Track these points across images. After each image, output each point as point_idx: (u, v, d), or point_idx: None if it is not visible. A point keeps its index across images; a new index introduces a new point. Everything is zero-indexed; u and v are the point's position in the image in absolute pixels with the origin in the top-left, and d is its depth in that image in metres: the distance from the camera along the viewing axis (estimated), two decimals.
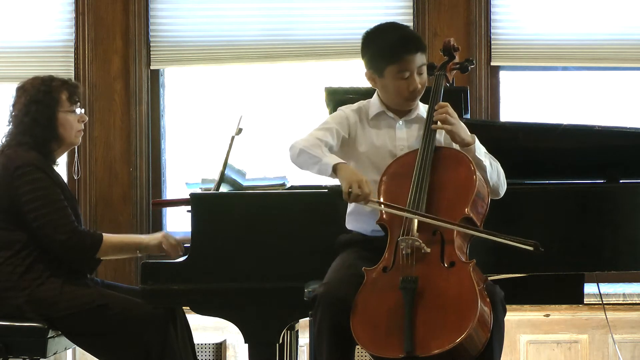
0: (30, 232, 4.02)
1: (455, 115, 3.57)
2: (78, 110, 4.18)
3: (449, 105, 3.58)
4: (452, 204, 3.44)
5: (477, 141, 3.57)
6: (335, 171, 3.43)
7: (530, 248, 3.35)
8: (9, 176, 4.02)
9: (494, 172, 3.61)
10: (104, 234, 4.10)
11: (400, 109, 3.68)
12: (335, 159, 3.46)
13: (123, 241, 4.17)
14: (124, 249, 4.18)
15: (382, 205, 3.46)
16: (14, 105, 4.16)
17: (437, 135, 3.60)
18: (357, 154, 3.66)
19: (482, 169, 3.55)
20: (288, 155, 3.59)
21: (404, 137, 3.67)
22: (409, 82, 3.58)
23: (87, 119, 4.25)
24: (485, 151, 3.61)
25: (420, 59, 3.59)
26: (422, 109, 3.71)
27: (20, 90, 4.16)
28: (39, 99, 4.10)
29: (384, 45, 3.61)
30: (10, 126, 4.15)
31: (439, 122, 3.55)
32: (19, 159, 4.04)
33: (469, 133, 3.58)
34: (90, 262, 4.09)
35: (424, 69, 3.61)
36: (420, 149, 3.53)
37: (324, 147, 3.53)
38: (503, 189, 3.66)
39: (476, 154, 3.54)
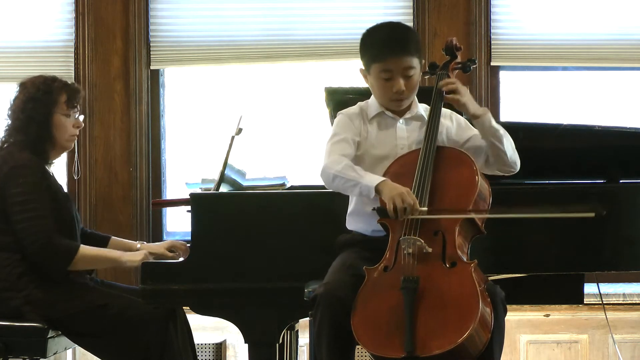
0: None
1: (465, 88, 3.57)
2: (75, 115, 4.17)
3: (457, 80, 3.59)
4: (454, 204, 3.43)
5: (489, 112, 3.58)
6: (377, 192, 3.41)
7: (592, 214, 3.34)
8: (2, 177, 4.02)
9: (508, 142, 3.61)
10: (81, 246, 4.04)
11: (389, 108, 3.68)
12: (374, 180, 3.42)
13: (100, 255, 4.10)
14: (100, 263, 4.14)
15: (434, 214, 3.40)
16: (13, 100, 4.16)
17: (439, 135, 3.60)
18: (359, 154, 3.65)
19: (499, 138, 3.56)
20: (322, 181, 3.56)
21: (404, 135, 3.66)
22: (392, 83, 3.58)
23: (83, 125, 4.22)
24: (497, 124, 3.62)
25: (406, 61, 3.56)
26: (421, 108, 3.71)
27: (22, 87, 4.16)
28: (37, 97, 4.09)
29: (371, 43, 3.62)
30: (9, 121, 4.14)
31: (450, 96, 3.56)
32: (13, 160, 4.03)
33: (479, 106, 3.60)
34: (62, 271, 4.04)
35: (413, 72, 3.58)
36: (422, 149, 3.52)
37: (355, 166, 3.51)
38: (518, 160, 3.66)
39: (493, 123, 3.55)
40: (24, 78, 4.18)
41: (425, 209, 3.37)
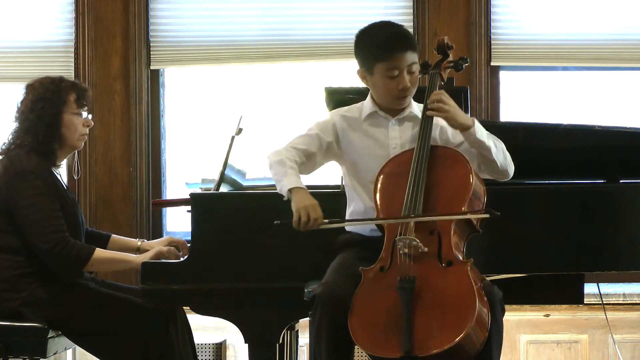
0: None
1: (451, 101, 3.55)
2: (85, 114, 4.17)
3: (443, 92, 3.56)
4: (449, 204, 3.43)
5: (477, 123, 3.55)
6: (289, 197, 3.45)
7: (486, 215, 3.36)
8: (8, 180, 4.02)
9: (500, 152, 3.60)
10: (97, 249, 4.05)
11: (391, 107, 3.67)
12: (290, 183, 3.47)
13: (114, 258, 4.09)
14: (114, 266, 4.13)
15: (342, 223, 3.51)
16: (21, 102, 4.15)
17: (433, 134, 3.59)
18: (351, 155, 3.66)
19: (486, 149, 3.55)
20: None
21: (397, 135, 3.66)
22: (398, 80, 3.57)
23: (93, 124, 4.23)
24: (488, 133, 3.59)
25: (411, 57, 3.57)
26: (416, 107, 3.70)
27: (29, 88, 4.15)
28: (47, 97, 4.09)
29: (373, 43, 3.60)
30: (17, 123, 4.14)
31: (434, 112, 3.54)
32: (19, 164, 4.02)
33: (468, 117, 3.57)
34: (77, 273, 4.05)
35: (415, 67, 3.59)
36: (416, 148, 3.52)
37: (289, 163, 3.54)
38: (511, 168, 3.65)
39: (477, 136, 3.53)
40: (30, 80, 4.17)
41: (327, 220, 3.41)
